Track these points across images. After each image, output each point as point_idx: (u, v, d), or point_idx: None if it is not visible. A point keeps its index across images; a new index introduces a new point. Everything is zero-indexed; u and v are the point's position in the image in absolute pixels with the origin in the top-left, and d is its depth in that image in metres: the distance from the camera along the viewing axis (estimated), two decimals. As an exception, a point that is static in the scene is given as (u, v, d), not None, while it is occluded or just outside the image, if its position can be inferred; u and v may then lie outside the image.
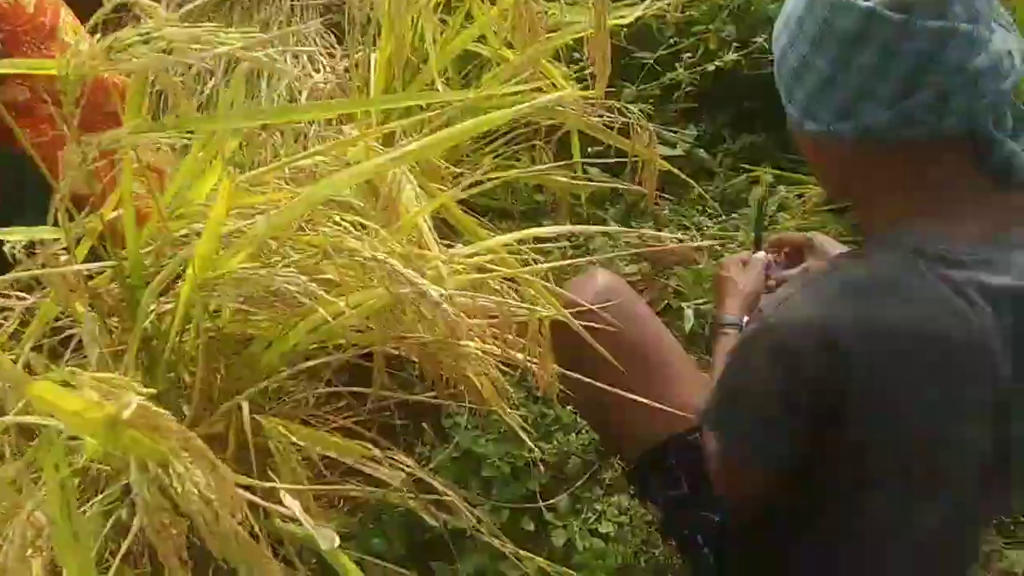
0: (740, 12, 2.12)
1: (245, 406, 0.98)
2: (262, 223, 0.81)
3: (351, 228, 1.00)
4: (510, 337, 1.04)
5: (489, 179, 1.68)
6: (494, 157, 1.87)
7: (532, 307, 0.95)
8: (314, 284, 0.90)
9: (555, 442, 1.56)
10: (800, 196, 1.89)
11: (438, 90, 1.36)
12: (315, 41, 2.36)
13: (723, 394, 0.91)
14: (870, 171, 0.83)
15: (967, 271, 0.77)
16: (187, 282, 0.91)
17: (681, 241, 1.89)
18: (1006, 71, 0.75)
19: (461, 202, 1.72)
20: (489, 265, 0.96)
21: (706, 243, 1.84)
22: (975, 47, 0.74)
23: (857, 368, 0.78)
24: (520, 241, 1.01)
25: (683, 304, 1.74)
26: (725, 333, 1.16)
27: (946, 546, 0.92)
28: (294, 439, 0.93)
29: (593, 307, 1.06)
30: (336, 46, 2.18)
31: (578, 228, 1.21)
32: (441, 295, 0.79)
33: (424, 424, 1.55)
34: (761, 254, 1.23)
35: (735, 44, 2.09)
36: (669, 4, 1.65)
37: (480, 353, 1.04)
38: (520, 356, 1.08)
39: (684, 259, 1.81)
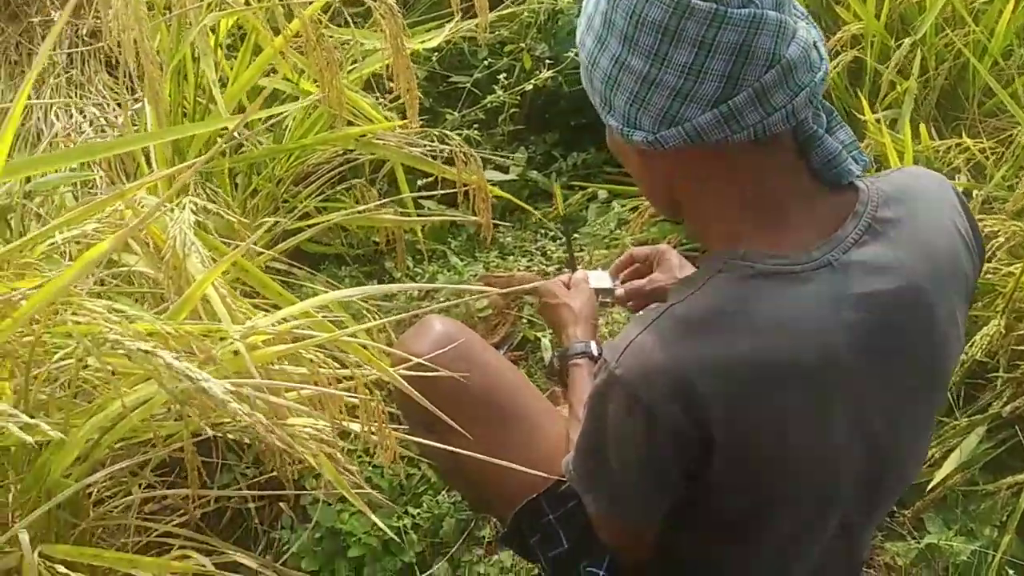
0: (548, 28, 2.09)
1: (24, 537, 0.78)
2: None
3: (123, 309, 0.81)
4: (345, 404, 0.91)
5: (309, 226, 1.53)
6: (322, 200, 1.71)
7: (357, 370, 0.80)
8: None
9: (425, 505, 1.42)
10: (635, 209, 1.85)
11: (227, 130, 1.19)
12: (103, 93, 2.11)
13: (584, 452, 0.83)
14: (699, 182, 0.78)
15: (806, 283, 0.74)
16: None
17: (528, 268, 1.81)
18: (815, 62, 0.72)
19: (292, 253, 1.56)
20: (301, 331, 0.81)
21: (553, 268, 1.77)
22: (784, 36, 0.70)
23: (714, 407, 0.73)
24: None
25: (539, 335, 1.65)
26: (576, 364, 1.09)
27: (837, 561, 0.89)
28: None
29: (424, 360, 0.94)
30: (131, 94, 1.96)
31: (397, 288, 1.06)
32: (227, 389, 0.62)
33: (282, 504, 1.37)
34: (580, 272, 1.17)
35: (549, 61, 2.05)
36: (476, 26, 1.56)
37: (310, 430, 0.89)
38: (357, 426, 0.93)
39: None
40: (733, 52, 0.68)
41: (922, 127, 1.68)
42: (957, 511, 1.35)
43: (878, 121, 1.67)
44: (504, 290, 1.38)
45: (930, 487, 1.33)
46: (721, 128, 0.71)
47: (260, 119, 1.53)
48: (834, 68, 1.80)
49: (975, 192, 1.61)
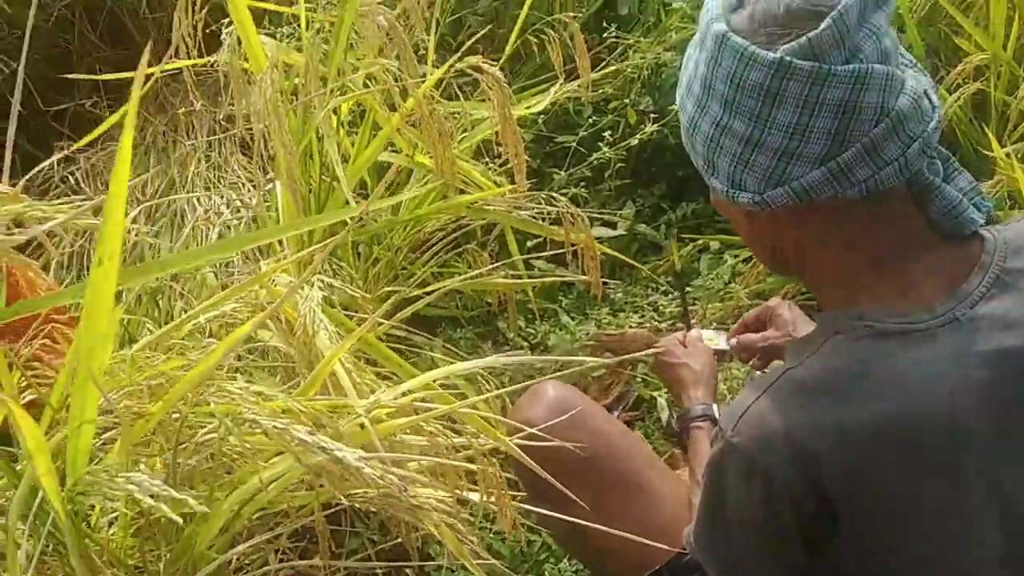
0: (652, 82, 2.11)
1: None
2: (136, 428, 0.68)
3: (259, 389, 0.87)
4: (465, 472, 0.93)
5: (427, 292, 1.59)
6: (437, 266, 1.78)
7: (474, 439, 0.83)
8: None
9: (547, 573, 1.42)
10: (748, 260, 1.81)
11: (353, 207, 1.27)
12: (237, 173, 2.29)
13: (705, 521, 0.82)
14: (811, 242, 0.76)
15: (929, 342, 0.71)
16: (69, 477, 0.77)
17: (640, 324, 1.79)
18: (927, 112, 0.70)
19: (409, 318, 1.62)
20: (421, 404, 0.84)
21: (665, 323, 1.75)
22: (893, 89, 0.68)
23: (833, 473, 0.71)
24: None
25: (653, 394, 1.63)
26: (698, 427, 1.07)
27: None
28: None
29: (539, 428, 0.95)
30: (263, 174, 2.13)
31: (511, 359, 1.07)
32: (359, 457, 0.66)
33: (407, 571, 1.40)
34: (695, 331, 1.15)
35: (653, 115, 2.06)
36: (579, 85, 1.60)
37: (432, 501, 0.92)
38: (476, 496, 0.95)
39: (647, 344, 1.71)
40: (839, 109, 0.67)
41: (1061, 160, 1.56)
42: None
43: (1008, 155, 1.58)
44: (621, 358, 1.37)
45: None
46: (830, 185, 0.70)
47: (379, 193, 1.61)
48: (956, 102, 1.72)
49: None
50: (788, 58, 0.67)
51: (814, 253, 0.77)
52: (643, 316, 1.85)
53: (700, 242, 1.98)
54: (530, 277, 1.83)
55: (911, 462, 0.71)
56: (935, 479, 0.71)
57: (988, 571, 0.77)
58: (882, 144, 0.68)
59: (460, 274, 1.72)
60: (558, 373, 1.59)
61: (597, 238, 2.02)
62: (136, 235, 1.77)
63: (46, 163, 1.11)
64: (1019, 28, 1.73)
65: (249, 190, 1.91)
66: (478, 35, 1.66)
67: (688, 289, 1.89)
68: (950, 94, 1.74)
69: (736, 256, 1.88)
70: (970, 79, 1.77)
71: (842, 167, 0.69)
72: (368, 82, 1.42)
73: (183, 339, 1.02)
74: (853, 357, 0.72)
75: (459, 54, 1.30)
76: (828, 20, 0.67)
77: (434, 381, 0.88)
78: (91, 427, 0.69)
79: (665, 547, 0.92)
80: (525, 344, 1.87)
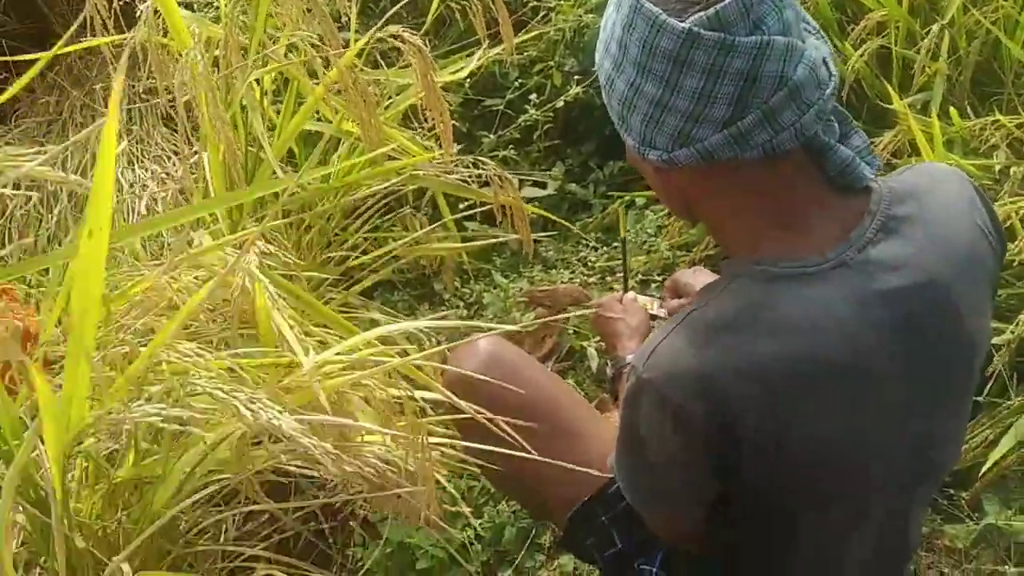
0: (575, 43, 2.15)
1: (125, 568, 0.87)
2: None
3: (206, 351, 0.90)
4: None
5: (360, 259, 1.61)
6: (371, 231, 1.80)
7: (413, 392, 0.88)
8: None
9: (486, 515, 1.49)
10: (671, 215, 1.89)
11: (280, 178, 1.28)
12: (161, 146, 2.25)
13: (622, 448, 0.89)
14: (714, 196, 0.82)
15: (823, 283, 0.77)
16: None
17: (571, 280, 1.86)
18: (824, 79, 0.76)
19: (346, 284, 1.65)
20: (367, 359, 0.88)
21: (594, 278, 1.82)
22: (792, 59, 0.73)
23: (740, 406, 0.77)
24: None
25: (583, 344, 1.71)
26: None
27: (887, 549, 0.91)
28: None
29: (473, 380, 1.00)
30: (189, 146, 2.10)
31: (447, 323, 1.12)
32: (296, 426, 0.70)
33: (352, 524, 1.46)
34: (631, 294, 1.22)
35: (577, 76, 2.10)
36: (504, 49, 1.63)
37: (377, 449, 0.98)
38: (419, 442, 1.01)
39: (577, 298, 1.78)
40: (741, 77, 0.72)
41: (952, 110, 1.68)
42: (1016, 490, 1.35)
43: (909, 107, 1.68)
44: (554, 317, 1.43)
45: (985, 468, 1.34)
46: (731, 148, 0.75)
47: (308, 159, 1.62)
48: (860, 57, 1.81)
49: (1012, 169, 1.60)
50: (696, 28, 0.72)
51: (716, 207, 0.83)
52: (573, 272, 1.92)
53: (626, 198, 2.05)
54: (463, 239, 1.87)
55: (812, 397, 0.77)
56: (835, 414, 0.78)
57: (879, 507, 0.85)
58: (780, 111, 0.73)
59: (395, 238, 1.76)
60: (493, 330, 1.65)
61: (528, 199, 2.07)
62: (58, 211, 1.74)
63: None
64: (914, -16, 1.83)
65: (175, 163, 1.89)
66: (401, 2, 1.67)
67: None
68: (855, 50, 1.83)
69: (660, 211, 1.96)
70: (873, 34, 1.87)
71: (742, 131, 0.74)
72: (290, 53, 1.43)
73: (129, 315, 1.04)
74: (753, 298, 0.78)
75: (381, 23, 1.31)
76: None
77: (376, 339, 0.92)
78: (86, 382, 0.71)
79: (595, 473, 0.99)
80: (461, 304, 1.92)
